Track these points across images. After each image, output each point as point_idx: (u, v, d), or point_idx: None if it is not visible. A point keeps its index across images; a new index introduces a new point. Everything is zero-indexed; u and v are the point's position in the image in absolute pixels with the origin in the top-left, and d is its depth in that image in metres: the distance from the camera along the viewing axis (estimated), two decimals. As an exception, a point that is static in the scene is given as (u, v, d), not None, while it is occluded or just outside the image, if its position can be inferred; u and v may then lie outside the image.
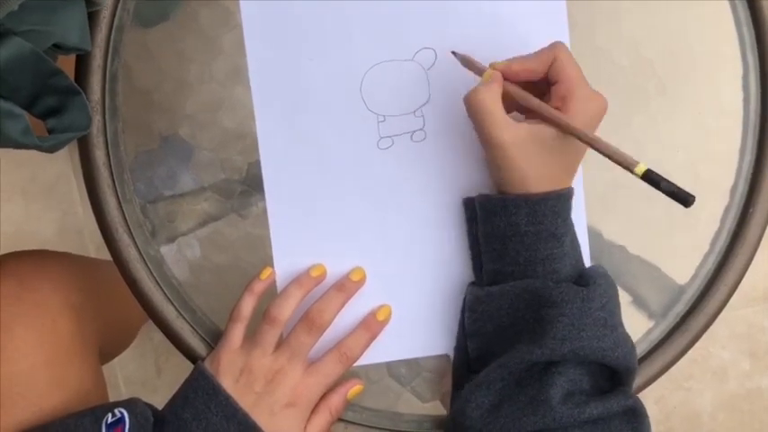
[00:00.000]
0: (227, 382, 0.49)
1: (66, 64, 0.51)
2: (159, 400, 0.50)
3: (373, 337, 0.52)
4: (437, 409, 0.55)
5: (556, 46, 0.46)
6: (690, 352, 0.55)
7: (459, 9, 0.52)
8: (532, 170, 0.46)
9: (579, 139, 0.45)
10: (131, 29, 0.53)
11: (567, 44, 0.52)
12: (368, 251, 0.53)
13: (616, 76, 0.53)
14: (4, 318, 0.51)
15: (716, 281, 0.54)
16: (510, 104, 0.47)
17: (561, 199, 0.46)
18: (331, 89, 0.53)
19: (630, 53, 0.53)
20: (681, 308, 0.55)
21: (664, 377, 0.55)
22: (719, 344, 1.06)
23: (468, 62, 0.49)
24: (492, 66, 0.47)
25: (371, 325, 0.52)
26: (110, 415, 0.46)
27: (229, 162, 0.54)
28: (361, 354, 0.52)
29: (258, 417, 0.48)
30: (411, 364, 0.54)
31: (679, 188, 0.40)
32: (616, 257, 0.54)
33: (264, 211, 0.53)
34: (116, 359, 0.82)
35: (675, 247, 0.55)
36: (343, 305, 0.51)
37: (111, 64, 0.53)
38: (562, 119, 0.44)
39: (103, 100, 0.53)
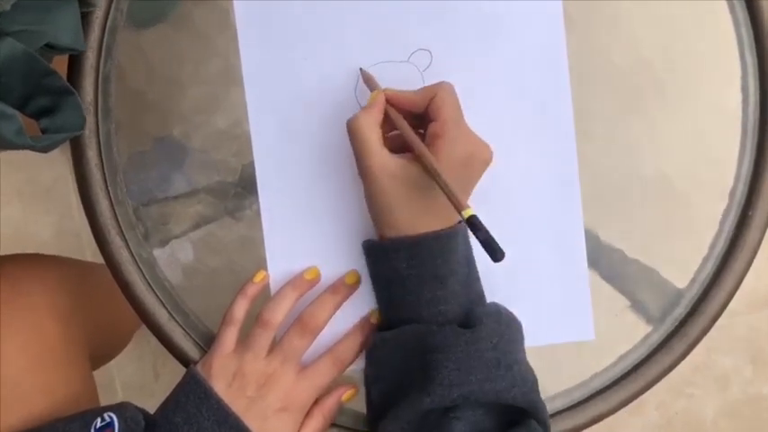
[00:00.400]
0: (220, 386, 0.48)
1: (59, 64, 0.51)
2: (156, 404, 0.49)
3: (367, 341, 0.51)
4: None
5: (440, 84, 0.46)
6: (691, 358, 0.54)
7: (454, 9, 0.52)
8: (403, 208, 0.45)
9: (426, 171, 0.44)
10: (124, 29, 0.53)
11: (564, 42, 0.51)
12: (362, 254, 0.52)
13: (614, 77, 0.53)
14: None
15: (715, 285, 0.53)
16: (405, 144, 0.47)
17: (440, 240, 0.45)
18: (326, 90, 0.52)
19: (629, 54, 0.53)
20: (680, 312, 0.54)
21: (665, 383, 0.54)
22: (721, 350, 1.06)
23: (368, 81, 0.50)
24: (385, 90, 0.48)
25: (365, 329, 0.51)
26: (99, 419, 0.46)
27: (223, 164, 0.53)
28: (355, 357, 0.51)
29: (251, 421, 0.47)
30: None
31: (494, 241, 0.40)
32: (614, 261, 0.53)
33: (258, 213, 0.53)
34: (113, 363, 0.82)
35: (674, 250, 0.54)
36: (336, 308, 0.51)
37: (104, 65, 0.53)
38: (425, 153, 0.44)
39: (96, 101, 0.52)
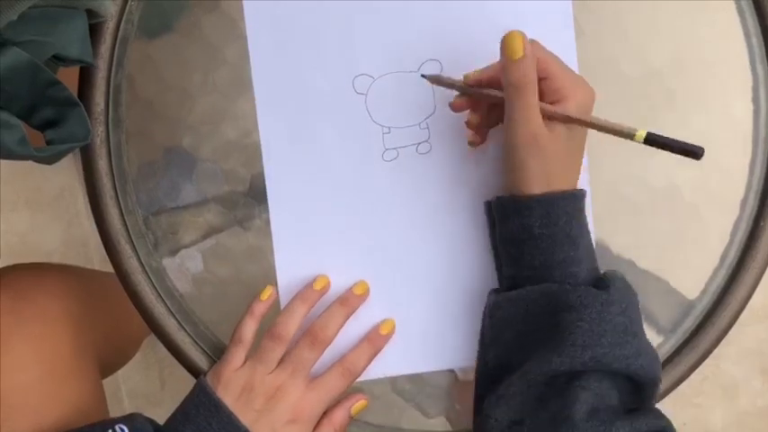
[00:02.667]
0: (228, 398, 0.48)
1: (70, 75, 0.51)
2: (163, 413, 0.49)
3: (377, 352, 0.51)
4: (442, 424, 0.54)
5: (533, 44, 0.45)
6: (700, 368, 0.54)
7: (464, 19, 0.52)
8: (541, 168, 0.44)
9: (582, 123, 0.44)
10: (135, 40, 0.53)
11: (574, 47, 0.51)
12: (371, 264, 0.52)
13: (624, 88, 0.53)
14: (3, 331, 0.51)
15: (726, 296, 0.53)
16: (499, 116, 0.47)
17: (574, 200, 0.45)
18: (336, 100, 0.52)
19: (639, 65, 0.53)
20: (690, 323, 0.54)
21: (673, 393, 0.54)
22: (730, 360, 1.05)
23: (438, 80, 0.49)
24: (465, 77, 0.47)
25: (375, 339, 0.51)
26: (110, 431, 0.46)
27: (233, 173, 0.53)
28: (365, 368, 0.51)
29: (260, 434, 0.47)
30: (415, 379, 0.53)
31: (686, 143, 0.39)
32: (625, 272, 0.53)
33: (268, 222, 0.53)
34: (120, 371, 0.82)
35: (685, 261, 0.54)
36: (346, 320, 0.51)
37: (114, 75, 0.53)
38: (560, 112, 0.44)
39: (107, 111, 0.53)
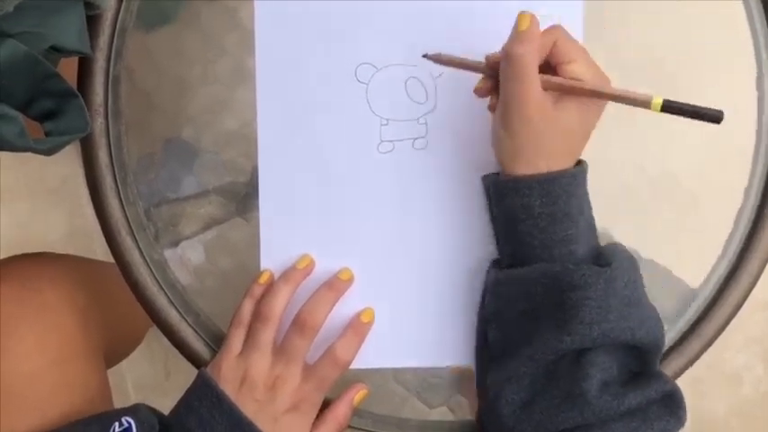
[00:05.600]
0: (229, 390, 0.48)
1: (69, 67, 0.51)
2: (168, 404, 0.49)
3: (362, 339, 0.51)
4: (444, 414, 0.54)
5: (552, 31, 0.44)
6: (703, 356, 0.54)
7: (473, 16, 0.51)
8: (545, 147, 0.44)
9: (591, 95, 0.43)
10: (134, 31, 0.53)
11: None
12: (357, 253, 0.52)
13: (626, 76, 0.52)
14: (7, 319, 0.51)
15: (729, 285, 0.53)
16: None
17: (576, 178, 0.45)
18: (337, 86, 0.52)
19: (641, 52, 0.52)
20: (693, 312, 0.53)
21: (677, 381, 0.54)
22: (733, 348, 1.05)
23: (439, 59, 0.48)
24: (487, 58, 0.46)
25: (358, 327, 0.51)
26: (117, 424, 0.46)
27: (233, 164, 0.53)
28: (354, 355, 0.50)
29: (262, 424, 0.47)
30: (417, 369, 0.53)
31: (704, 108, 0.37)
32: (627, 261, 0.53)
33: (269, 213, 0.52)
34: (124, 362, 0.82)
35: (688, 250, 0.54)
36: (333, 305, 0.50)
37: (113, 66, 0.52)
38: (590, 87, 0.43)
39: (106, 102, 0.52)
